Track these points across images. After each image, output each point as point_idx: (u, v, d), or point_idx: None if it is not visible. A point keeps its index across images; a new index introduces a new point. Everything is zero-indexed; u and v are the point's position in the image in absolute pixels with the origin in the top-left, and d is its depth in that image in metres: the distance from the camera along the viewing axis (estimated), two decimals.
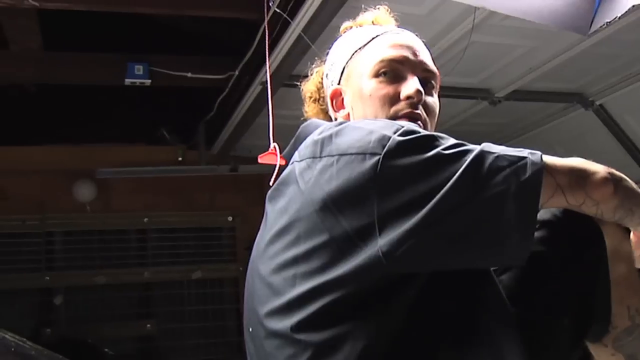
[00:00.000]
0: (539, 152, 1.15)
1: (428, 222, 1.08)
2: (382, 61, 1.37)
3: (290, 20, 2.91)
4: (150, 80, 4.07)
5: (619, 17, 2.57)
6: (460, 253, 1.14)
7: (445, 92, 3.70)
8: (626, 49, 3.35)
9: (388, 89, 1.36)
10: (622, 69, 3.61)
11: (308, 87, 1.55)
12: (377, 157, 1.11)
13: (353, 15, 1.54)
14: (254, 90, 3.67)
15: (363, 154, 1.13)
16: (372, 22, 1.48)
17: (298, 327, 1.13)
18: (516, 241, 1.12)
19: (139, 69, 4.07)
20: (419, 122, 1.35)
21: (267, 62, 3.00)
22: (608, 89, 3.82)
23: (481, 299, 1.24)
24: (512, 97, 3.86)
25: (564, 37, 3.09)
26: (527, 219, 1.12)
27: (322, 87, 1.52)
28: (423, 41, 1.47)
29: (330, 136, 1.21)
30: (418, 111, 1.36)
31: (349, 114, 1.42)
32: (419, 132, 1.17)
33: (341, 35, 1.51)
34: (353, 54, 1.43)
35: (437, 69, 1.44)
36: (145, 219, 4.99)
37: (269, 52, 2.91)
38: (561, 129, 4.26)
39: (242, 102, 3.92)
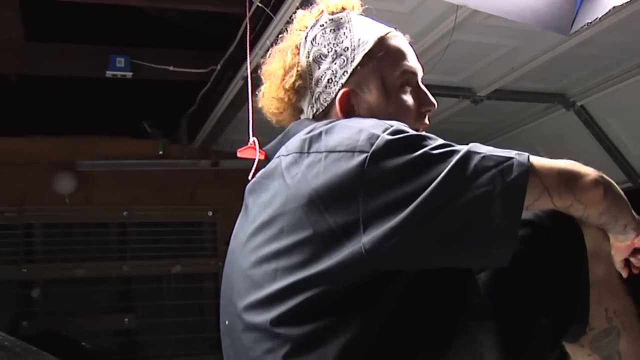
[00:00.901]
0: (526, 154, 1.16)
1: (412, 220, 1.08)
2: (405, 74, 1.38)
3: (272, 16, 2.90)
4: (131, 73, 4.06)
5: (600, 18, 2.58)
6: (444, 252, 1.14)
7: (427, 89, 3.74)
8: (609, 50, 3.36)
9: (412, 102, 1.38)
10: (604, 70, 3.62)
11: (277, 71, 1.44)
12: (365, 155, 1.12)
13: None
14: (236, 85, 3.65)
15: (352, 152, 1.14)
16: (342, 6, 1.45)
17: (277, 321, 1.13)
18: (500, 241, 1.12)
19: (120, 61, 4.06)
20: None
21: (248, 57, 2.98)
22: (590, 90, 3.83)
23: (462, 299, 1.24)
24: (493, 96, 3.86)
25: (546, 38, 3.09)
26: (511, 220, 1.12)
27: (294, 72, 1.42)
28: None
29: (320, 133, 1.21)
30: (427, 121, 1.41)
31: (359, 117, 1.37)
32: (408, 132, 1.17)
33: (321, 24, 1.43)
34: (363, 59, 1.37)
35: None
36: (125, 213, 4.96)
37: (250, 47, 2.90)
38: (542, 129, 4.27)
39: (224, 96, 3.90)
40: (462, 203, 1.10)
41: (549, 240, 1.36)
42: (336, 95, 1.36)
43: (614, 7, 2.51)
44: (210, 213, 5.12)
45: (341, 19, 1.43)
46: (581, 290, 1.36)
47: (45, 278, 4.76)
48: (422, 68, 1.44)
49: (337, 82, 1.38)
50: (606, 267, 1.40)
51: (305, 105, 1.41)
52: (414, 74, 1.40)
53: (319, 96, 1.38)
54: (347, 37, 1.40)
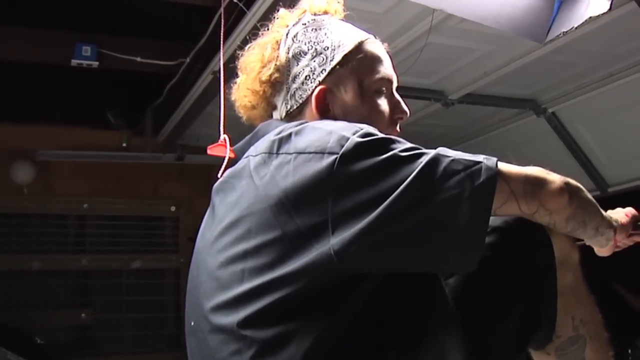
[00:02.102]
0: (494, 158, 1.17)
1: (380, 223, 1.09)
2: (382, 80, 1.41)
3: (246, 10, 2.86)
4: (97, 62, 3.98)
5: (576, 28, 2.59)
6: (412, 256, 1.14)
7: (399, 92, 3.71)
8: (581, 58, 3.38)
9: (385, 108, 1.40)
10: (576, 78, 3.64)
11: (254, 64, 1.44)
12: (334, 157, 1.13)
13: None
14: (205, 79, 3.60)
15: (321, 153, 1.14)
16: (325, 10, 1.48)
17: (244, 323, 1.13)
18: (468, 246, 1.13)
19: (86, 50, 3.98)
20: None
21: (222, 51, 2.93)
22: (561, 97, 3.85)
23: (429, 303, 1.24)
24: (465, 100, 3.86)
25: (519, 44, 3.10)
26: (479, 224, 1.13)
27: (271, 66, 1.42)
28: None
29: (289, 135, 1.22)
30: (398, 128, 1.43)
31: (334, 116, 1.38)
32: (377, 135, 1.18)
33: (303, 22, 1.44)
34: (343, 58, 1.39)
35: None
36: (85, 205, 4.87)
37: (223, 40, 2.85)
38: (513, 134, 4.29)
39: (192, 90, 3.84)
40: (429, 206, 1.11)
41: (517, 246, 1.37)
42: (312, 92, 1.37)
43: (590, 17, 2.52)
44: (173, 208, 5.06)
45: (323, 20, 1.45)
46: (548, 297, 1.38)
47: (0, 270, 4.64)
48: (397, 77, 1.47)
49: (315, 79, 1.39)
50: (574, 276, 1.43)
51: (279, 101, 1.41)
52: (390, 81, 1.43)
53: (294, 92, 1.39)
54: (327, 37, 1.42)
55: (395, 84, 1.45)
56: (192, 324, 1.28)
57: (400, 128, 1.44)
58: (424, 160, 1.13)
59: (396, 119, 1.42)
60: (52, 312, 4.70)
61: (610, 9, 2.45)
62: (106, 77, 4.33)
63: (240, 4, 2.86)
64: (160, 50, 4.05)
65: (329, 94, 1.38)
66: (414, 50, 3.10)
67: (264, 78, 1.41)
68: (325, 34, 1.42)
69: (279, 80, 1.41)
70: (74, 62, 3.96)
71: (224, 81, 2.87)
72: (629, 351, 3.88)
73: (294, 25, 1.45)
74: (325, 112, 1.37)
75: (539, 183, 1.23)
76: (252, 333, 1.12)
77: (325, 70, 1.39)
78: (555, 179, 1.25)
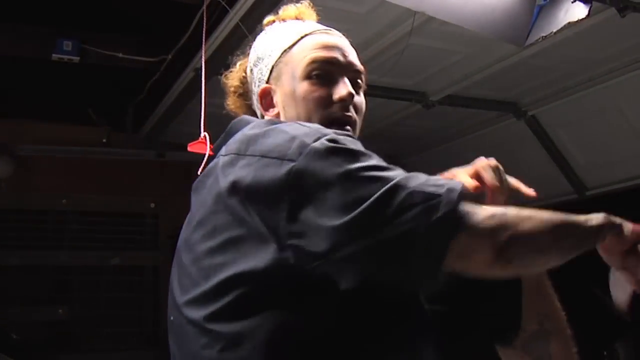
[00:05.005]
0: (458, 188, 1.09)
1: (333, 240, 1.07)
2: (313, 62, 1.37)
3: (228, 9, 2.85)
4: (78, 58, 3.96)
5: (555, 32, 2.62)
6: (365, 276, 1.10)
7: (380, 93, 3.73)
8: (561, 62, 3.41)
9: (320, 92, 1.36)
10: (556, 82, 3.67)
11: (232, 82, 1.53)
12: (292, 164, 1.12)
13: None
14: (187, 76, 3.60)
15: (281, 159, 1.13)
16: (296, 16, 1.48)
17: (211, 318, 1.15)
18: (422, 281, 1.12)
19: (67, 44, 3.96)
20: (350, 123, 1.37)
21: (203, 49, 2.93)
22: (541, 100, 3.88)
23: (401, 305, 1.22)
24: (446, 101, 3.87)
25: (500, 47, 3.11)
26: (434, 261, 1.07)
27: (246, 81, 1.51)
28: (349, 40, 1.46)
29: (257, 135, 1.22)
30: (349, 113, 1.37)
31: (279, 114, 1.41)
32: (341, 145, 1.15)
33: (264, 30, 1.50)
34: (282, 53, 1.42)
35: (364, 67, 1.44)
36: (64, 200, 4.82)
37: (205, 38, 2.86)
38: (493, 136, 4.30)
39: (173, 87, 3.84)
40: (383, 238, 1.06)
41: None
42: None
43: (569, 22, 2.55)
44: (152, 205, 5.02)
45: (280, 23, 1.47)
46: (513, 294, 1.37)
47: None
48: (355, 64, 1.39)
49: (262, 80, 1.43)
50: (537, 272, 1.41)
51: (255, 108, 1.47)
52: (328, 62, 1.38)
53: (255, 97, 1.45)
54: (275, 39, 1.44)
55: (342, 66, 1.39)
56: (172, 318, 1.30)
57: (355, 110, 1.37)
58: (381, 189, 1.07)
59: (337, 101, 1.36)
60: (29, 308, 4.65)
61: (588, 15, 2.49)
62: (87, 72, 4.30)
63: (223, 2, 2.85)
64: (142, 47, 4.03)
65: (272, 92, 1.41)
66: (396, 52, 3.10)
67: (240, 95, 1.49)
68: (276, 36, 1.45)
69: (247, 91, 1.49)
70: (55, 56, 3.94)
71: (205, 78, 2.87)
72: (605, 353, 3.92)
73: (258, 36, 1.48)
74: (271, 109, 1.42)
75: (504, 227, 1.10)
76: (217, 327, 1.14)
77: (267, 69, 1.42)
78: (488, 247, 1.09)
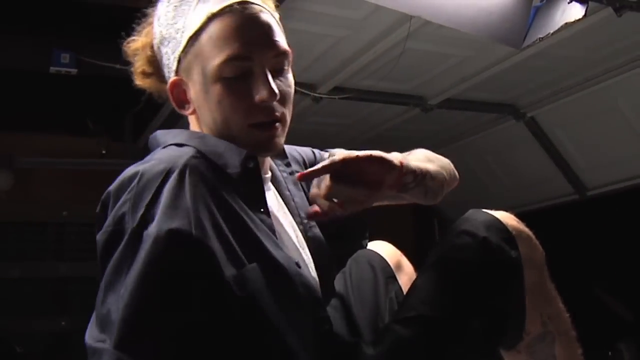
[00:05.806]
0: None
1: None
2: (226, 63, 1.21)
3: None
4: (76, 70, 3.96)
5: (552, 33, 2.61)
6: None
7: (378, 98, 3.73)
8: (559, 63, 3.41)
9: (237, 95, 1.22)
10: (554, 83, 3.67)
11: (139, 65, 1.39)
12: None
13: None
14: None
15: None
16: None
17: None
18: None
19: (65, 57, 3.94)
20: (276, 122, 1.25)
21: None
22: (539, 101, 3.88)
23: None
24: (444, 105, 3.87)
25: (497, 49, 3.11)
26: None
27: (155, 59, 1.35)
28: (267, 9, 1.28)
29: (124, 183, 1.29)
30: (276, 112, 1.25)
31: (196, 115, 1.30)
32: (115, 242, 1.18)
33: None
34: (189, 41, 1.24)
35: (288, 45, 1.28)
36: (65, 212, 4.80)
37: None
38: (492, 139, 4.31)
39: None
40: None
41: (483, 246, 1.35)
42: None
43: (566, 23, 2.54)
44: None
45: None
46: (516, 296, 1.37)
47: None
48: (280, 48, 1.24)
49: (171, 69, 1.29)
50: (539, 273, 1.42)
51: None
52: (243, 58, 1.21)
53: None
54: (182, 16, 1.26)
55: (261, 57, 1.22)
56: None
57: (282, 101, 1.25)
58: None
59: (259, 102, 1.21)
60: (31, 320, 4.64)
61: (585, 15, 2.48)
62: (85, 83, 4.30)
63: None
64: None
65: (184, 85, 1.27)
66: (393, 56, 3.10)
67: (148, 74, 1.38)
68: (184, 10, 1.26)
69: (159, 69, 1.34)
70: (53, 69, 3.94)
71: None
72: (610, 354, 3.91)
73: (159, 3, 1.31)
74: (182, 107, 1.29)
75: None
76: None
77: (175, 58, 1.26)
78: None
